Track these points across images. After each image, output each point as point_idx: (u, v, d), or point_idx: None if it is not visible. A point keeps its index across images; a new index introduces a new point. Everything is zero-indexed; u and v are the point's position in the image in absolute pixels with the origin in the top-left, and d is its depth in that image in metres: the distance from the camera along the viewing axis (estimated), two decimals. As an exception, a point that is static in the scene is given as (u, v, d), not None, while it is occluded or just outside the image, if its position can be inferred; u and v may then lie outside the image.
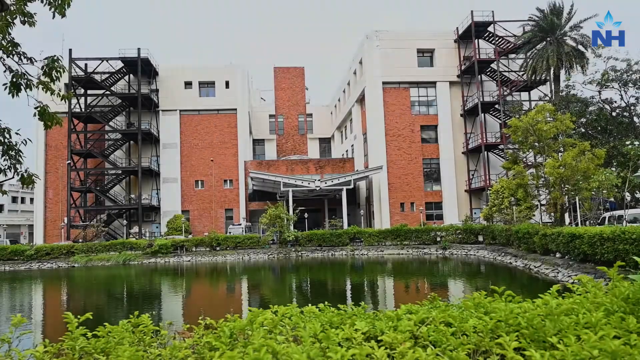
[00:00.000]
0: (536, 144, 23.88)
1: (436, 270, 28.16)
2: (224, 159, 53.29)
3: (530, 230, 24.87)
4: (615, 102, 28.89)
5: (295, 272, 29.79)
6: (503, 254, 29.11)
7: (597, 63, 30.65)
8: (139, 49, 48.83)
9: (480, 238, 35.95)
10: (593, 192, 22.86)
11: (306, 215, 46.14)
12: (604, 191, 21.44)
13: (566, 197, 24.81)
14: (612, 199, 24.75)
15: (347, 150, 60.81)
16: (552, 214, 24.27)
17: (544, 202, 27.38)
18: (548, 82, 40.40)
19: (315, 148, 70.75)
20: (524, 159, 34.04)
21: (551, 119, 23.97)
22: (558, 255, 21.98)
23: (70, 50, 47.90)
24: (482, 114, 45.90)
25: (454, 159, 48.19)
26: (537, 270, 22.26)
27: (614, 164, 27.26)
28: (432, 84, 49.23)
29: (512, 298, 2.72)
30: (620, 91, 28.72)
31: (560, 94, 33.26)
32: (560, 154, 23.59)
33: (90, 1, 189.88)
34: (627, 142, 25.57)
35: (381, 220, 46.71)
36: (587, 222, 27.16)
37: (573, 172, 20.99)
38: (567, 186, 22.77)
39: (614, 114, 27.62)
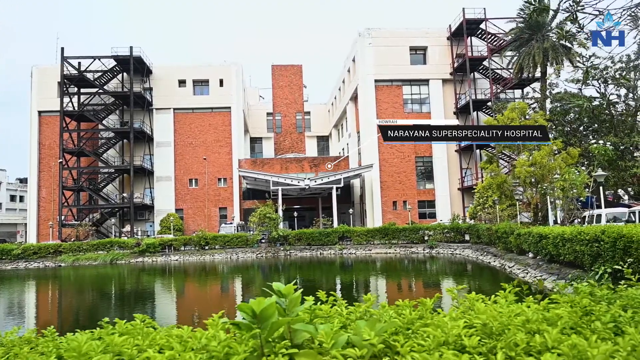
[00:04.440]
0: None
1: (416, 269, 27.87)
2: (218, 157, 53.26)
3: (507, 230, 24.52)
4: (596, 99, 28.33)
5: (277, 271, 29.67)
6: (485, 253, 28.75)
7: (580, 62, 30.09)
8: (131, 47, 48.91)
9: (467, 237, 35.59)
10: (572, 192, 22.38)
11: (295, 214, 46.02)
12: (573, 190, 21.00)
13: (546, 196, 24.36)
14: (582, 199, 24.24)
15: (343, 149, 60.58)
16: (527, 213, 23.88)
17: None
18: (540, 79, 39.87)
19: (313, 146, 70.62)
20: (514, 158, 33.60)
21: (528, 117, 23.59)
22: (531, 255, 21.65)
23: (62, 48, 48.15)
24: (475, 112, 45.48)
25: (446, 157, 47.80)
26: (511, 271, 21.94)
27: (585, 163, 26.78)
28: (425, 81, 48.84)
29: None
30: (600, 89, 28.20)
31: (545, 91, 32.74)
32: (533, 152, 23.18)
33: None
34: (592, 141, 25.04)
35: (373, 218, 46.44)
36: (580, 222, 26.58)
37: (544, 171, 20.56)
38: (540, 185, 22.37)
39: (595, 112, 27.09)
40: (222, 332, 1.95)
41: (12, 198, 72.85)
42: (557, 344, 1.80)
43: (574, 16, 5.09)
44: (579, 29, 5.38)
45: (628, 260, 11.52)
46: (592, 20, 5.10)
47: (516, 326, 2.00)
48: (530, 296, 2.73)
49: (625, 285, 2.81)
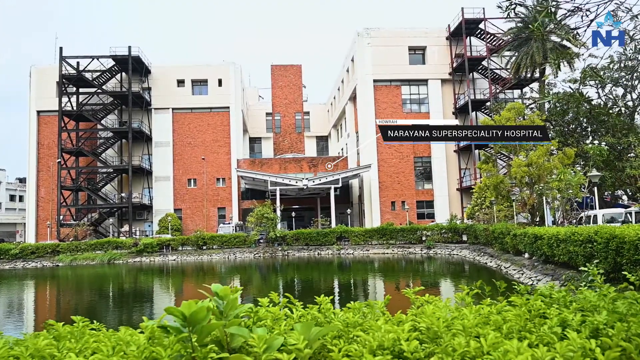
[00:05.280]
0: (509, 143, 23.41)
1: (412, 270, 27.78)
2: (216, 157, 53.22)
3: (504, 230, 24.43)
4: (593, 99, 28.21)
5: (274, 271, 29.60)
6: (482, 253, 28.61)
7: (576, 62, 30.00)
8: (129, 47, 48.89)
9: (465, 237, 35.48)
10: (568, 192, 22.28)
11: (294, 214, 45.97)
12: (569, 191, 20.90)
13: (542, 196, 24.25)
14: (578, 199, 24.12)
15: (342, 149, 60.48)
16: (525, 213, 23.78)
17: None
18: (541, 80, 39.73)
19: (313, 146, 70.48)
20: (512, 158, 33.45)
21: (525, 117, 23.51)
22: (526, 255, 21.56)
23: (60, 48, 48.12)
24: (474, 112, 45.35)
25: (445, 157, 47.68)
26: (506, 272, 21.85)
27: (581, 163, 26.66)
28: (424, 81, 48.73)
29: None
30: (597, 89, 28.08)
31: (544, 92, 32.63)
32: (530, 152, 23.07)
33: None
34: (588, 142, 24.95)
35: (372, 219, 46.33)
36: (575, 222, 26.46)
37: (540, 171, 20.44)
38: (537, 185, 22.27)
39: (592, 112, 26.94)
40: (143, 336, 1.88)
41: (12, 198, 72.90)
42: (494, 349, 1.73)
43: (549, 11, 5.00)
44: (556, 25, 5.29)
45: (595, 261, 11.58)
46: (568, 16, 5.00)
47: (457, 330, 1.92)
48: (488, 298, 2.66)
49: (586, 288, 2.74)
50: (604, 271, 13.01)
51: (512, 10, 4.90)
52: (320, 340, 1.98)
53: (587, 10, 4.36)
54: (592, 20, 4.41)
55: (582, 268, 4.69)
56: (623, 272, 4.61)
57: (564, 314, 2.14)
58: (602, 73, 25.54)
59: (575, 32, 5.19)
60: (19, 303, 21.19)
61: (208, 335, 1.91)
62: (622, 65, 26.47)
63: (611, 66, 26.43)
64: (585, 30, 4.60)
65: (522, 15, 36.63)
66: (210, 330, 1.90)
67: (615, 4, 4.43)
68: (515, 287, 2.94)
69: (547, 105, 33.57)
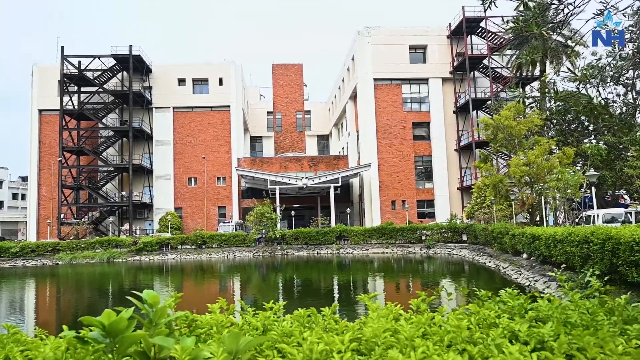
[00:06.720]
0: (509, 142, 23.23)
1: (410, 270, 27.65)
2: (217, 156, 53.17)
3: (502, 230, 24.27)
4: (594, 99, 27.80)
5: (273, 270, 29.52)
6: (482, 253, 28.44)
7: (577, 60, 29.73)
8: (130, 46, 48.89)
9: (465, 237, 35.31)
10: (567, 192, 22.09)
11: (293, 213, 45.87)
12: (568, 190, 20.70)
13: (541, 196, 24.06)
14: (577, 199, 23.88)
15: (343, 148, 60.30)
16: (522, 213, 23.62)
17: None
18: (543, 79, 39.46)
19: (314, 145, 70.32)
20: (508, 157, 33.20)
21: (524, 117, 23.33)
22: (525, 256, 21.41)
23: (62, 47, 48.18)
24: (475, 111, 45.14)
25: (446, 157, 47.44)
26: (505, 272, 21.69)
27: (580, 162, 26.43)
28: (425, 80, 48.48)
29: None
30: (597, 88, 27.82)
31: (544, 91, 32.35)
32: (529, 151, 22.85)
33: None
34: (585, 141, 24.76)
35: (372, 218, 46.17)
36: (573, 222, 26.24)
37: (540, 171, 20.26)
38: (536, 185, 22.09)
39: (594, 112, 26.53)
40: (48, 347, 1.78)
41: (14, 196, 73.04)
42: (424, 364, 1.62)
43: (525, 4, 4.90)
44: (531, 19, 5.16)
45: (589, 262, 11.43)
46: (551, 9, 4.90)
47: (393, 342, 1.82)
48: (445, 305, 2.56)
49: (547, 295, 2.63)
50: (600, 272, 12.88)
51: (492, 3, 4.78)
52: (250, 352, 1.89)
53: (569, 4, 4.24)
54: (570, 13, 4.30)
55: (553, 274, 4.61)
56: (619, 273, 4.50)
57: (512, 324, 2.04)
58: (602, 72, 25.20)
59: (555, 25, 5.06)
60: (12, 301, 21.18)
61: (131, 346, 1.82)
62: (612, 66, 26.09)
63: (610, 64, 26.07)
64: (562, 24, 4.49)
65: (523, 14, 36.33)
66: (132, 341, 1.81)
67: (601, 2, 4.32)
68: (477, 292, 2.84)
69: (547, 104, 33.31)
